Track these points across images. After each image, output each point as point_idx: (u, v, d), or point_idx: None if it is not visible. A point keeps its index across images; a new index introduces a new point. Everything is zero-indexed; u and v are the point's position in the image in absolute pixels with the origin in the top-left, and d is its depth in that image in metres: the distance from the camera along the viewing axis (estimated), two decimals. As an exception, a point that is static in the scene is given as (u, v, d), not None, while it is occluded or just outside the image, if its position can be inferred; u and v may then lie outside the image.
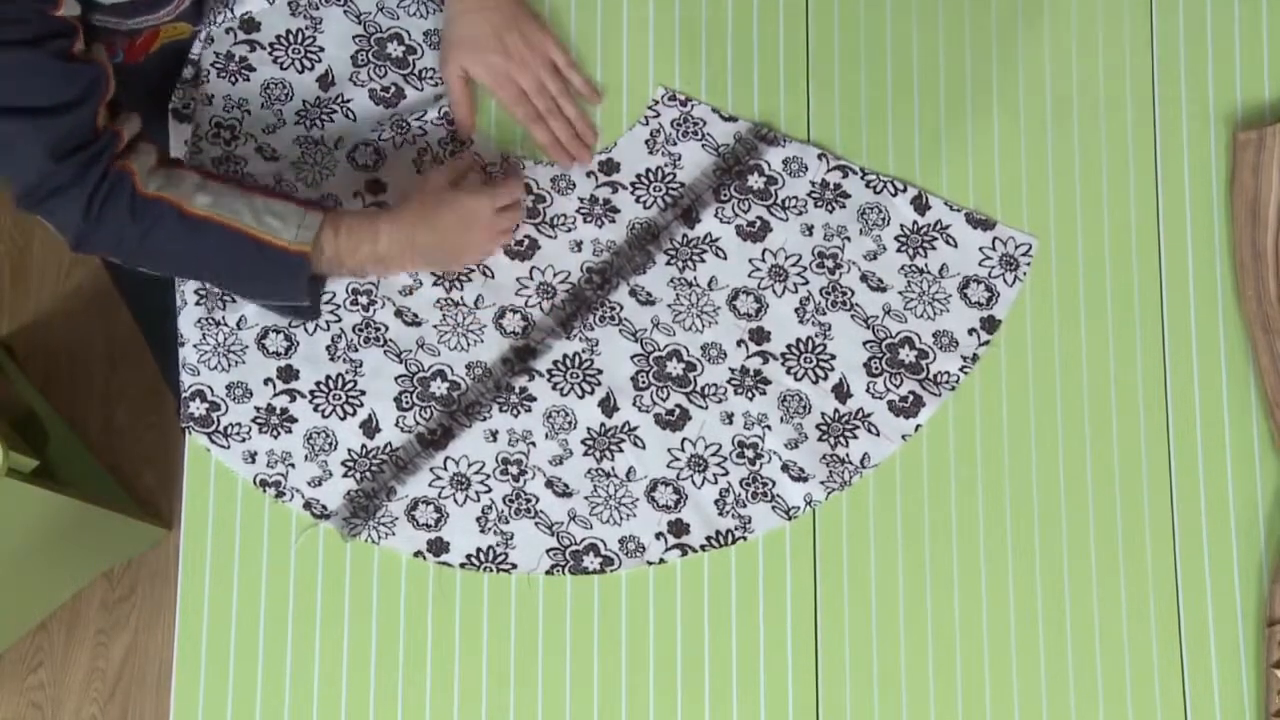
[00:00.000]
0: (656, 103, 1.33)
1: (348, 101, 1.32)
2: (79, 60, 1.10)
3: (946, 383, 1.29)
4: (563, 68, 1.33)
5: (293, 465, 1.27)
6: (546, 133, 1.31)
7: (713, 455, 1.27)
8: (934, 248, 1.31)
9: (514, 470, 1.27)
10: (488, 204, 1.25)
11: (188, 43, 1.32)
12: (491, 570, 1.26)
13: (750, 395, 1.28)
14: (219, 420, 1.27)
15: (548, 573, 1.26)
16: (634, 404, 1.28)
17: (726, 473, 1.27)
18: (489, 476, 1.27)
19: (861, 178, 1.32)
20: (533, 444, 1.27)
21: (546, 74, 1.32)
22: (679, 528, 1.26)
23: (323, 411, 1.27)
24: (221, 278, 1.21)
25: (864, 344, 1.29)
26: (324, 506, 1.26)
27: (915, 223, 1.31)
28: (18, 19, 1.04)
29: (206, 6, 1.31)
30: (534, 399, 1.28)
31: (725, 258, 1.30)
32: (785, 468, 1.27)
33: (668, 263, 1.30)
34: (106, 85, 1.13)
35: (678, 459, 1.27)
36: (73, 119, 1.11)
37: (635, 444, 1.27)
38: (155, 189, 1.16)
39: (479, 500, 1.26)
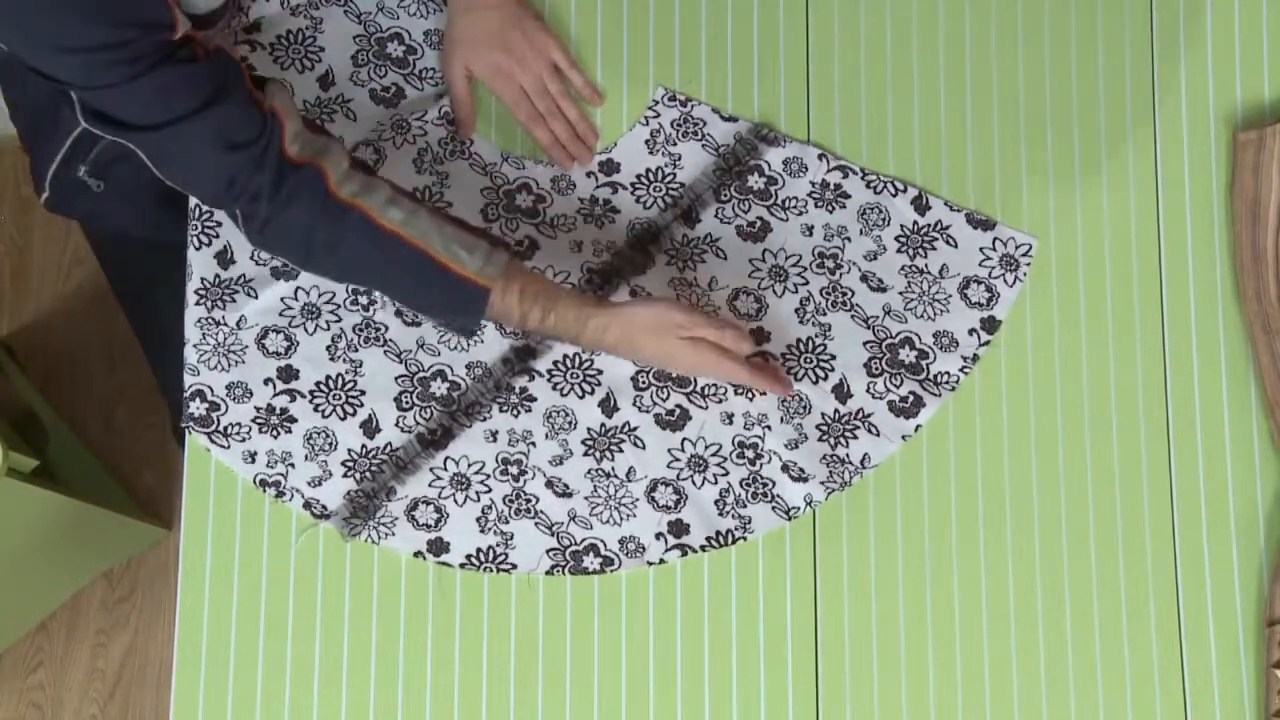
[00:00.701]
0: (656, 103, 1.33)
1: (348, 101, 1.32)
2: (206, 58, 1.12)
3: (946, 383, 1.29)
4: (564, 68, 1.33)
5: (293, 465, 1.27)
6: (546, 133, 1.31)
7: (713, 455, 1.27)
8: (934, 248, 1.31)
9: (514, 470, 1.27)
10: (712, 361, 1.22)
11: None
12: (491, 570, 1.26)
13: (750, 395, 1.28)
14: (219, 420, 1.27)
15: (548, 573, 1.26)
16: (634, 404, 1.28)
17: (726, 473, 1.27)
18: (489, 477, 1.27)
19: (861, 178, 1.32)
20: (533, 444, 1.27)
21: (548, 74, 1.32)
22: (679, 528, 1.26)
23: (323, 411, 1.27)
24: (397, 292, 1.21)
25: (864, 344, 1.29)
26: (324, 506, 1.26)
27: (915, 223, 1.31)
28: (146, 51, 1.06)
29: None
30: (534, 399, 1.28)
31: (725, 258, 1.30)
32: (785, 468, 1.27)
33: (668, 263, 1.30)
34: (241, 70, 1.14)
35: (678, 459, 1.27)
36: (230, 106, 1.11)
37: (635, 444, 1.27)
38: (349, 194, 1.16)
39: (479, 500, 1.27)
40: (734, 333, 1.22)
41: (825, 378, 1.28)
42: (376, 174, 1.20)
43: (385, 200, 1.17)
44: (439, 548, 1.26)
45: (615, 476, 1.27)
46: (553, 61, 1.32)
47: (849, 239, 1.31)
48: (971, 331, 1.29)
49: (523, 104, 1.31)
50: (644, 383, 1.28)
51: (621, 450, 1.27)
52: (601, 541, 1.26)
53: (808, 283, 1.30)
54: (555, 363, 1.28)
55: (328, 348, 1.28)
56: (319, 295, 1.28)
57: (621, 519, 1.26)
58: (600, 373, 1.28)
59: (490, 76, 1.31)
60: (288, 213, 1.14)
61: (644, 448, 1.27)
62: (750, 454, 1.27)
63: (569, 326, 1.20)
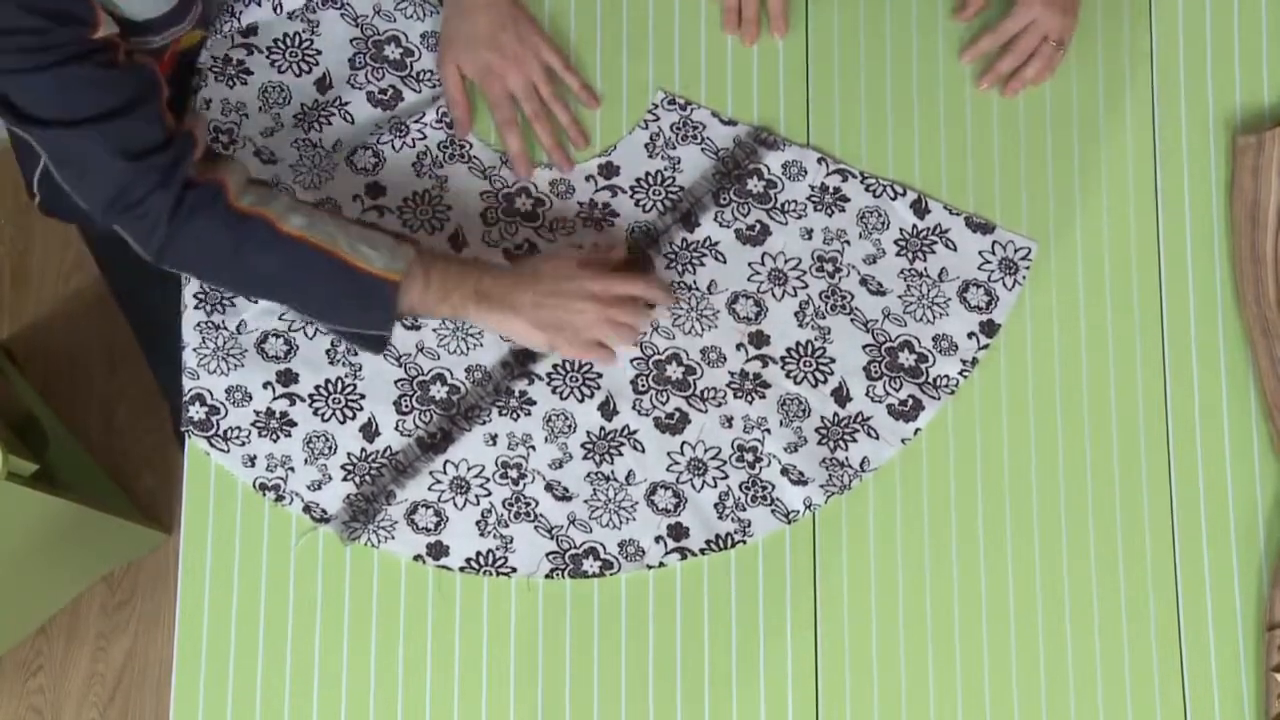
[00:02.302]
0: (656, 106, 1.33)
1: (345, 104, 1.32)
2: (125, 66, 1.12)
3: (946, 386, 1.29)
4: (560, 70, 1.32)
5: (292, 469, 1.27)
6: (517, 141, 1.31)
7: (712, 459, 1.27)
8: (933, 251, 1.31)
9: (513, 474, 1.27)
10: (595, 285, 1.23)
11: (196, 51, 1.32)
12: (491, 574, 1.26)
13: (750, 399, 1.28)
14: (218, 424, 1.27)
15: (547, 576, 1.26)
16: (633, 407, 1.28)
17: (726, 476, 1.27)
18: (488, 480, 1.27)
19: (861, 181, 1.32)
20: (532, 447, 1.27)
21: (539, 76, 1.31)
22: (678, 531, 1.26)
23: (322, 415, 1.27)
24: (304, 300, 1.21)
25: (863, 348, 1.29)
26: (323, 510, 1.26)
27: (915, 226, 1.31)
28: (59, 44, 1.06)
29: (211, 13, 1.31)
30: (533, 402, 1.28)
31: (725, 261, 1.30)
32: (785, 471, 1.27)
33: (667, 266, 1.30)
34: (159, 84, 1.15)
35: (677, 462, 1.27)
36: (136, 120, 1.12)
37: (635, 447, 1.27)
38: (249, 203, 1.17)
39: (478, 504, 1.26)
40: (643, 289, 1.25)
41: (824, 381, 1.28)
42: (274, 186, 1.21)
43: (286, 207, 1.18)
44: (438, 551, 1.26)
45: (615, 480, 1.27)
46: (544, 63, 1.32)
47: (848, 242, 1.31)
48: (971, 335, 1.29)
49: (503, 107, 1.31)
50: (643, 386, 1.28)
51: (621, 453, 1.27)
52: (601, 545, 1.26)
53: (807, 286, 1.30)
54: (555, 366, 1.28)
55: (327, 351, 1.28)
56: (318, 299, 1.28)
57: (621, 522, 1.26)
58: (600, 376, 1.28)
59: (480, 76, 1.31)
60: (186, 229, 1.15)
61: (643, 451, 1.27)
62: (750, 457, 1.27)
63: (463, 312, 1.23)
